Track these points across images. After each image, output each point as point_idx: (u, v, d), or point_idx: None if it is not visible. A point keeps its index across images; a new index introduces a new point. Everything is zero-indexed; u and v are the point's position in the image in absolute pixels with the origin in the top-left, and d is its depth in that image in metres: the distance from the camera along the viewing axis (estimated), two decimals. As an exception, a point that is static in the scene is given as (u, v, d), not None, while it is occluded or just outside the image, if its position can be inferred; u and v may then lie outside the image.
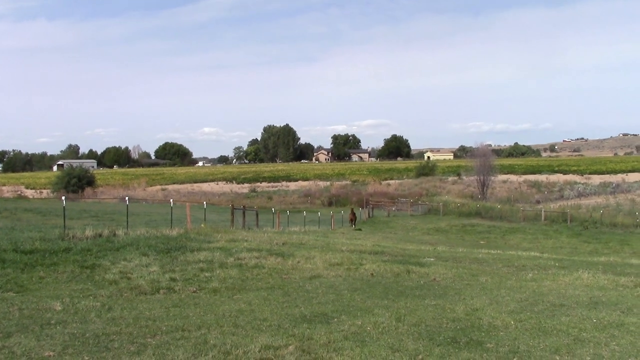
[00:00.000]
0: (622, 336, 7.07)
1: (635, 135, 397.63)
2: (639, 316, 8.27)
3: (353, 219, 41.88)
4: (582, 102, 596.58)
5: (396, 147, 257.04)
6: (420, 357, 6.10)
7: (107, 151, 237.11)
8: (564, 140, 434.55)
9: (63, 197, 20.58)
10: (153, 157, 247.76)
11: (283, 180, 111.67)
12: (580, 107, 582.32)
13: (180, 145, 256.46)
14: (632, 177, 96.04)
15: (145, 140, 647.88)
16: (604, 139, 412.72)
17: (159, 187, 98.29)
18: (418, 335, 6.95)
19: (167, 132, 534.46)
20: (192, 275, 11.01)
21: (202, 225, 20.23)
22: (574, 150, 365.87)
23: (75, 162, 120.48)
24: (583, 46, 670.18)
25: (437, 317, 7.92)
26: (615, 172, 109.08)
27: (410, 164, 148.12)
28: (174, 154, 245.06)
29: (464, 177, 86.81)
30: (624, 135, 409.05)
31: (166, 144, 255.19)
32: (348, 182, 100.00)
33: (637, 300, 9.88)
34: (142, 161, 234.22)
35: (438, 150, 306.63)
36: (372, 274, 12.01)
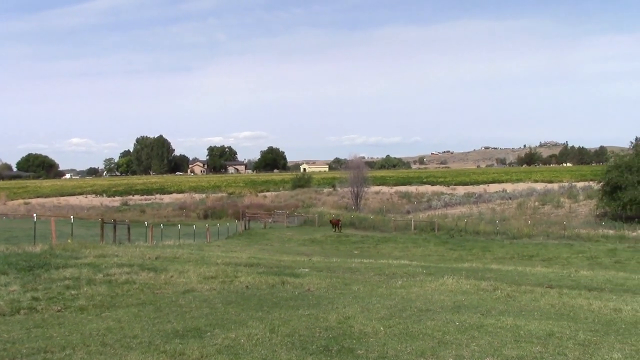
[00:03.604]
0: (482, 337, 7.49)
1: (495, 148, 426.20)
2: (496, 317, 8.79)
3: (337, 223, 50.32)
4: (448, 117, 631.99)
5: (273, 159, 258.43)
6: (293, 366, 6.16)
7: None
8: (432, 153, 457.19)
9: None
10: (15, 170, 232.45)
11: (157, 193, 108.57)
12: (446, 122, 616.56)
13: (46, 157, 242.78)
14: (493, 187, 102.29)
15: (6, 152, 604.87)
16: (468, 152, 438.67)
17: (21, 201, 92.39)
18: (291, 346, 7.01)
19: (31, 143, 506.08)
20: (56, 294, 10.43)
21: (69, 240, 19.27)
22: (441, 163, 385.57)
23: None
24: (448, 63, 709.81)
25: (310, 327, 8.01)
26: (478, 183, 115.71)
27: (287, 175, 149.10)
28: (39, 166, 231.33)
29: (339, 189, 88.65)
30: (486, 148, 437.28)
31: (30, 155, 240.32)
32: (224, 194, 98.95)
33: (496, 302, 10.52)
34: (3, 173, 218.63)
35: (314, 162, 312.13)
36: (247, 286, 11.96)
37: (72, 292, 10.64)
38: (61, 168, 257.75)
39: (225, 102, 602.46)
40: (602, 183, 55.92)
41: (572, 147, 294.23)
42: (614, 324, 8.58)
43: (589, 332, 7.87)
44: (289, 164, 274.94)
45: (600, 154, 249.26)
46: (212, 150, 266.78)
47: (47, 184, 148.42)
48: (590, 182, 78.25)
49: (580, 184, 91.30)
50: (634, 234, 42.90)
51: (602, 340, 7.35)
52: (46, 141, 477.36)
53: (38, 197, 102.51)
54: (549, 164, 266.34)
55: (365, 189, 74.10)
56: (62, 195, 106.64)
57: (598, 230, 44.95)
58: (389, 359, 6.50)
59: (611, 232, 44.27)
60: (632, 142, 64.32)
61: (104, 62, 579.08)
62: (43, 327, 8.14)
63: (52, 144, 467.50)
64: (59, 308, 9.43)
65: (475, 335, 7.56)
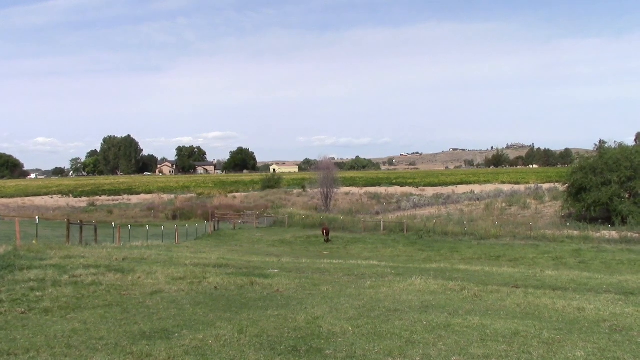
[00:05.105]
0: (449, 336, 7.58)
1: (464, 150, 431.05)
2: (463, 317, 8.90)
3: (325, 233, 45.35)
4: (417, 119, 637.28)
5: (242, 160, 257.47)
6: (261, 367, 6.15)
7: None
8: (401, 155, 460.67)
9: None
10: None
11: (124, 194, 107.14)
12: (415, 123, 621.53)
13: (10, 156, 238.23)
14: (461, 188, 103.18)
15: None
16: (437, 154, 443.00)
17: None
18: (260, 346, 7.01)
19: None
20: (20, 296, 10.25)
21: (34, 241, 18.91)
22: (410, 164, 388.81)
23: None
24: (417, 65, 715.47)
25: (279, 327, 8.02)
26: (446, 184, 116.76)
27: (256, 176, 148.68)
28: (3, 166, 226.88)
29: (309, 190, 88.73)
30: (454, 150, 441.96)
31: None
32: (193, 195, 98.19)
33: (463, 302, 10.64)
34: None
35: (284, 163, 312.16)
36: (215, 287, 11.91)
37: (37, 293, 10.47)
38: (26, 168, 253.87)
39: (195, 102, 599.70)
40: (567, 185, 56.71)
41: (538, 149, 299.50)
42: (577, 323, 8.75)
43: (553, 330, 8.03)
44: (258, 165, 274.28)
45: (566, 156, 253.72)
46: (181, 150, 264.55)
47: (11, 184, 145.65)
48: (556, 184, 79.39)
49: (546, 186, 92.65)
50: (598, 234, 43.68)
51: (566, 339, 7.50)
52: (10, 140, 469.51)
53: (2, 197, 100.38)
54: (516, 166, 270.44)
55: (335, 190, 74.20)
56: (27, 195, 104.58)
57: (563, 231, 45.64)
58: (357, 359, 6.55)
59: (576, 233, 44.98)
60: (596, 145, 65.23)
61: (70, 61, 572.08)
62: (6, 329, 8.00)
63: (17, 143, 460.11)
64: (23, 310, 9.27)
65: (442, 335, 7.66)
